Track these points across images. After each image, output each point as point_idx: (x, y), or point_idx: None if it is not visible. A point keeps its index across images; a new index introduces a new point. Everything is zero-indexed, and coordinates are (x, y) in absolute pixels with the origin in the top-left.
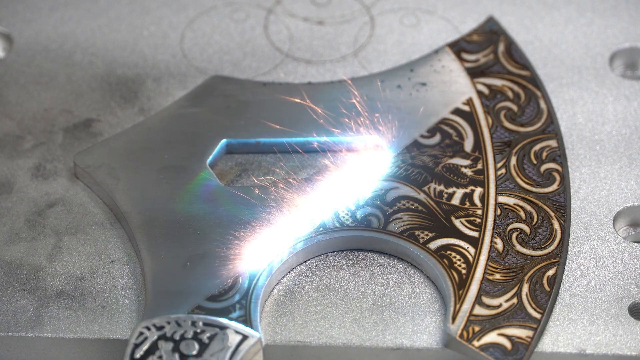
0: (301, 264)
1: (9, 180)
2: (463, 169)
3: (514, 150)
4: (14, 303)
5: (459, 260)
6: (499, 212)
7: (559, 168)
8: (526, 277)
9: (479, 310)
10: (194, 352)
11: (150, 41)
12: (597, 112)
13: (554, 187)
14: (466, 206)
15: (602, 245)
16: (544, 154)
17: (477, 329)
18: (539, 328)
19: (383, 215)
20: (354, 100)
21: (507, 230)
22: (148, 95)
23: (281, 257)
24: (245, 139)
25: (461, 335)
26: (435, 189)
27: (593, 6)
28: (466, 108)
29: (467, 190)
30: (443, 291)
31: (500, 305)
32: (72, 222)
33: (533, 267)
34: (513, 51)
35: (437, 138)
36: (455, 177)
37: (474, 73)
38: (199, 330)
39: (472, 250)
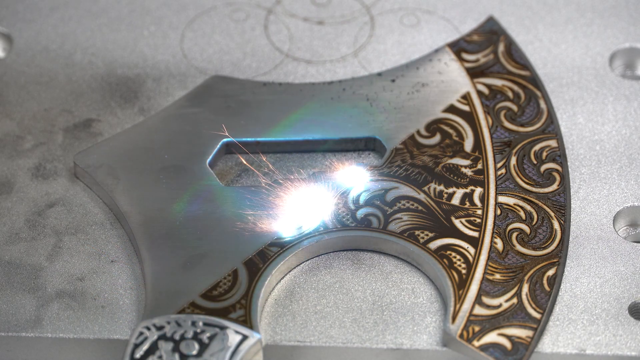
0: (301, 264)
1: (9, 180)
2: (463, 169)
3: (514, 150)
4: (14, 303)
5: (459, 260)
6: (499, 212)
7: (559, 168)
8: (526, 277)
9: (479, 310)
10: (194, 352)
11: (150, 41)
12: (597, 112)
13: (554, 187)
14: (466, 206)
15: (602, 245)
16: (544, 154)
17: (477, 329)
18: (539, 328)
19: (383, 215)
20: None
21: (507, 230)
22: (148, 95)
23: (281, 256)
24: (245, 138)
25: (461, 335)
26: (435, 189)
27: (593, 6)
28: (466, 108)
29: (467, 190)
30: (443, 291)
31: (500, 305)
32: (72, 222)
33: (533, 267)
34: (513, 51)
35: (437, 138)
36: (455, 177)
37: (474, 73)
38: (199, 330)
39: (472, 250)
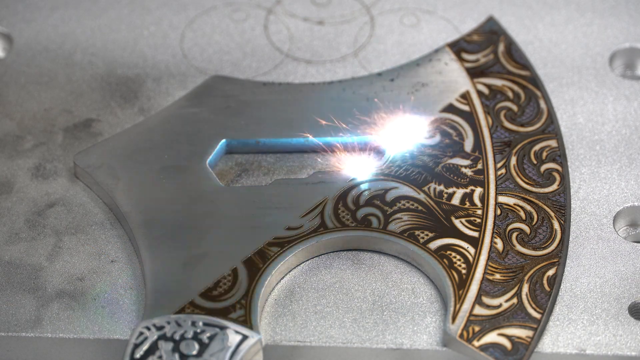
0: (301, 264)
1: (9, 180)
2: (463, 169)
3: (514, 150)
4: (14, 303)
5: (459, 260)
6: (499, 212)
7: (559, 168)
8: (526, 277)
9: (479, 310)
10: (194, 352)
11: (150, 41)
12: (597, 112)
13: (554, 187)
14: (466, 206)
15: (602, 245)
16: (544, 154)
17: (477, 329)
18: (539, 328)
19: (383, 215)
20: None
21: (507, 230)
22: (148, 95)
23: (281, 256)
24: (245, 139)
25: (461, 335)
26: (435, 189)
27: (593, 6)
28: (466, 108)
29: (467, 190)
30: (443, 291)
31: (500, 305)
32: (72, 222)
33: (533, 267)
34: (513, 51)
35: (437, 138)
36: (455, 177)
37: (474, 73)
38: (199, 330)
39: (472, 250)
